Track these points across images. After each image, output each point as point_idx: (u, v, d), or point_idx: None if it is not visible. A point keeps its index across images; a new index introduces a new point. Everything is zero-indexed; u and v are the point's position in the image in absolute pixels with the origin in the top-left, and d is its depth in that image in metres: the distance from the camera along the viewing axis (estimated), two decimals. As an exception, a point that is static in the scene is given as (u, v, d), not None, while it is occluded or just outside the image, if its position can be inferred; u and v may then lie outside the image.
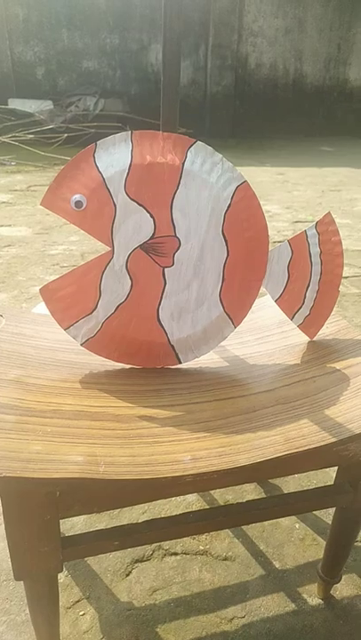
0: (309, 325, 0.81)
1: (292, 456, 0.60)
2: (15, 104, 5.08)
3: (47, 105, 5.14)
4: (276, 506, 0.71)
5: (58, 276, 0.70)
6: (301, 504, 0.74)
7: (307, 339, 0.82)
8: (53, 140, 4.64)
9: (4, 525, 0.56)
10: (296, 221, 3.07)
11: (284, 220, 3.09)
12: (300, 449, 0.61)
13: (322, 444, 0.62)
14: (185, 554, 0.95)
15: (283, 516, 0.81)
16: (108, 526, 0.97)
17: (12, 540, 0.56)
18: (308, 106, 6.85)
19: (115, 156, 0.68)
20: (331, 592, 0.89)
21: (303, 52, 6.60)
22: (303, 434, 0.63)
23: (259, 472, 0.63)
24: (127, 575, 0.91)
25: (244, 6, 6.04)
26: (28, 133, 4.62)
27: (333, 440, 0.62)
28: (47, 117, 4.90)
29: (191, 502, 1.05)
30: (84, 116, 5.07)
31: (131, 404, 0.67)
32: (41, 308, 0.98)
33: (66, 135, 4.61)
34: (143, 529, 0.64)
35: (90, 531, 0.64)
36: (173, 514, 1.02)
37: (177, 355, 0.75)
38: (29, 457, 0.53)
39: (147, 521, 0.66)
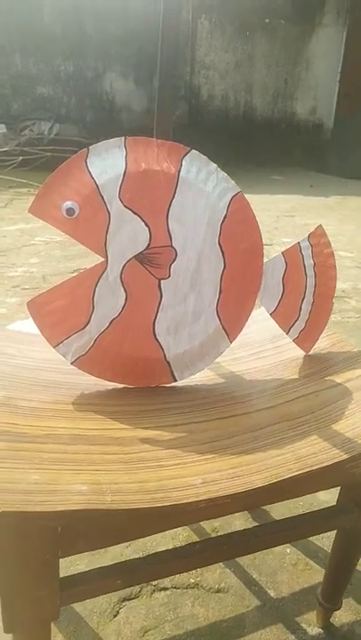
0: (305, 339, 0.79)
1: (305, 475, 0.57)
2: (-33, 127, 4.97)
3: (0, 129, 5.06)
4: (283, 530, 0.67)
5: (45, 290, 0.65)
6: (306, 528, 0.70)
7: (301, 353, 0.80)
8: (8, 163, 4.55)
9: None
10: (256, 245, 3.11)
11: (244, 243, 3.13)
12: (314, 467, 0.58)
13: (334, 461, 0.59)
14: (175, 588, 0.89)
15: (290, 542, 0.77)
16: (91, 565, 0.90)
17: (4, 586, 0.49)
18: (259, 137, 7.09)
19: (108, 162, 0.65)
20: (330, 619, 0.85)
21: (253, 86, 6.87)
22: (314, 451, 0.60)
23: (273, 493, 0.59)
24: (115, 616, 0.83)
25: (195, 40, 6.24)
26: (-19, 156, 4.51)
27: (345, 457, 0.59)
28: (1, 140, 4.81)
29: (177, 532, 0.99)
30: (39, 140, 5.02)
31: (129, 426, 0.62)
32: (17, 326, 0.91)
33: (21, 158, 4.53)
34: (147, 564, 0.58)
35: (89, 570, 0.57)
36: (159, 545, 0.96)
37: (172, 372, 0.71)
38: (28, 488, 0.47)
39: (150, 555, 0.60)
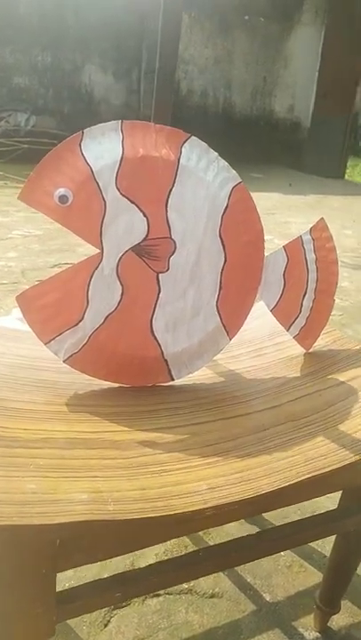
0: (305, 337, 0.76)
1: (315, 478, 0.54)
2: None
3: (-25, 119, 4.92)
4: (286, 537, 0.64)
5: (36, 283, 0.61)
6: (308, 533, 0.68)
7: (302, 351, 0.77)
8: (-18, 155, 4.42)
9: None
10: (238, 241, 3.09)
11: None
12: (324, 470, 0.55)
13: (345, 463, 0.56)
14: (168, 594, 0.86)
15: (293, 547, 0.75)
16: (78, 573, 0.86)
17: (-4, 605, 0.45)
18: (238, 134, 7.08)
19: (104, 146, 0.61)
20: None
21: (232, 82, 6.86)
22: (322, 453, 0.57)
23: (281, 498, 0.56)
24: (106, 625, 0.80)
25: (175, 35, 6.18)
26: None
27: (356, 458, 0.57)
28: (-25, 132, 4.67)
29: (169, 535, 0.96)
30: (16, 132, 4.90)
31: (127, 428, 0.58)
32: (3, 322, 0.86)
33: (-4, 150, 4.42)
34: (148, 575, 0.55)
35: (85, 582, 0.53)
36: (149, 550, 0.93)
37: (170, 371, 0.67)
38: (24, 498, 0.43)
39: (151, 565, 0.56)
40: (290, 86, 7.28)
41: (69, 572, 0.86)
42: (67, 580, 0.84)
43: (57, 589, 0.50)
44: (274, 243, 2.85)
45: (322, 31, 6.98)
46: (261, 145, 7.28)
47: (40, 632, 0.49)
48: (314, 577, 0.91)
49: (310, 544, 0.98)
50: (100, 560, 0.49)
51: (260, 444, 0.58)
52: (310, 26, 6.98)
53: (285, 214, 4.27)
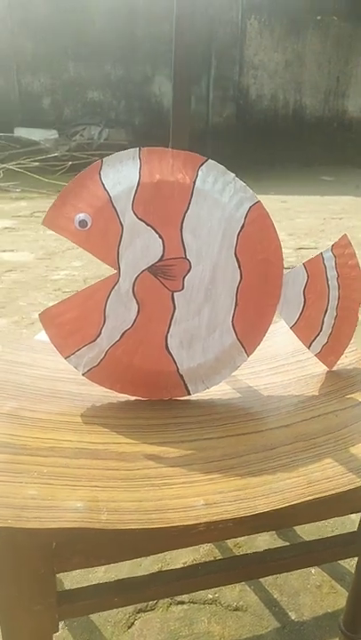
0: (328, 354, 0.75)
1: (316, 501, 0.54)
2: (21, 132, 5.15)
3: (52, 134, 5.21)
4: (298, 555, 0.64)
5: (59, 301, 0.65)
6: (326, 553, 0.67)
7: (324, 369, 0.77)
8: (58, 168, 4.68)
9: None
10: (299, 248, 3.04)
11: (287, 246, 3.07)
12: (326, 493, 0.55)
13: (350, 487, 0.55)
14: (192, 603, 0.87)
15: (306, 567, 0.74)
16: (108, 574, 0.90)
17: (1, 599, 0.50)
18: (309, 136, 6.95)
19: (122, 174, 0.64)
20: (353, 648, 0.81)
21: (303, 85, 6.74)
22: (328, 475, 0.57)
23: (279, 519, 0.56)
24: (129, 627, 0.83)
25: (245, 40, 6.19)
26: (33, 161, 4.66)
27: (362, 482, 0.56)
28: (52, 146, 4.95)
29: (200, 545, 0.98)
30: (89, 145, 5.13)
31: (135, 441, 0.61)
32: (44, 336, 0.93)
33: (70, 163, 4.65)
34: (149, 583, 0.57)
35: (88, 585, 0.57)
36: (179, 557, 0.95)
37: (186, 385, 0.70)
38: (23, 503, 0.47)
39: (153, 574, 0.59)
40: (365, 85, 7.03)
41: (100, 573, 0.91)
42: (96, 580, 0.89)
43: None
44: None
45: None
46: (334, 146, 7.09)
47: (43, 628, 0.53)
48: (343, 599, 0.89)
49: (344, 565, 0.96)
50: (101, 565, 0.52)
51: (264, 462, 0.59)
52: (387, 21, 6.70)
53: (354, 219, 4.12)
